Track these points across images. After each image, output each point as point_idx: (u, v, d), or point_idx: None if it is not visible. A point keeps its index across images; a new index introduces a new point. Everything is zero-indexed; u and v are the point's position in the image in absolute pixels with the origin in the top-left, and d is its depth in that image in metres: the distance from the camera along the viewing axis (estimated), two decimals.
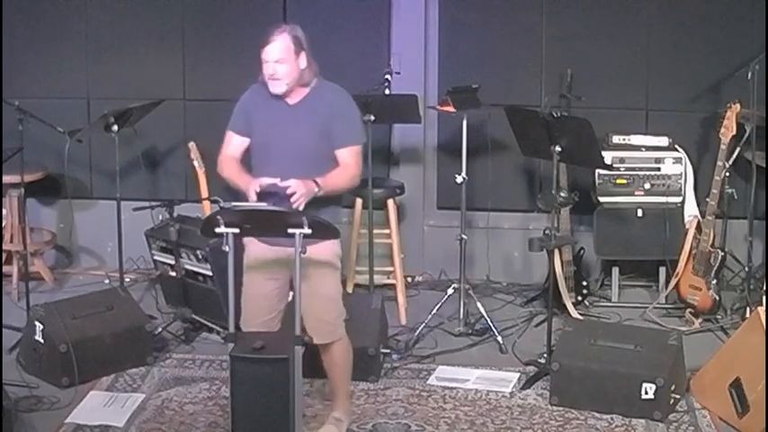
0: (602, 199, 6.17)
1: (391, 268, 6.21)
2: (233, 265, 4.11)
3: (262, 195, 4.23)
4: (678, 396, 4.89)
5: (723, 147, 5.72)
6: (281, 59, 4.27)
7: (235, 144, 4.47)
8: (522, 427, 4.77)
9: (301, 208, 4.16)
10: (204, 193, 6.06)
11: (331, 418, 4.67)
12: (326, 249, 4.33)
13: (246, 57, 6.35)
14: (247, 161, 4.47)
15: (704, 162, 6.24)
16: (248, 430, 4.10)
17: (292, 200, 4.16)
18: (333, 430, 4.63)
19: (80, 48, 6.60)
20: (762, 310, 4.62)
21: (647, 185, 6.12)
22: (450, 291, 5.84)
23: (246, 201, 4.21)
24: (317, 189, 4.24)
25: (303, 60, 4.32)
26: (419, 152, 6.62)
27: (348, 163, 4.39)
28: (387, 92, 5.80)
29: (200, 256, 5.69)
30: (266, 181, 4.23)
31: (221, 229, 4.06)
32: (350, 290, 6.17)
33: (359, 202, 6.05)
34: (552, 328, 5.32)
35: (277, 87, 4.31)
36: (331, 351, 4.56)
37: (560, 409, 4.91)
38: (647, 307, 6.07)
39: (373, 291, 5.88)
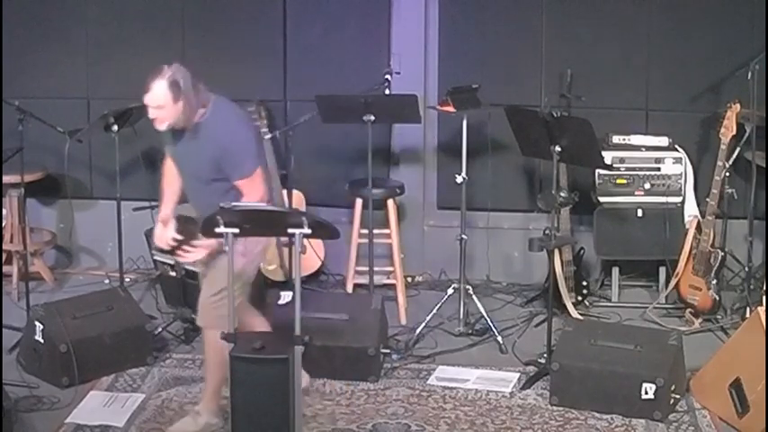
0: (602, 199, 6.17)
1: (391, 268, 6.21)
2: (233, 264, 4.11)
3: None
4: (678, 396, 4.89)
5: (723, 147, 5.71)
6: (160, 106, 4.36)
7: (168, 163, 4.71)
8: (522, 427, 4.77)
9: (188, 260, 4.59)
10: None
11: (192, 410, 4.71)
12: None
13: (246, 57, 6.44)
14: None
15: (704, 162, 6.24)
16: (248, 430, 4.10)
17: (182, 254, 4.54)
18: (187, 422, 4.64)
19: (80, 48, 6.60)
20: (762, 310, 4.62)
21: (647, 185, 6.12)
22: (450, 291, 5.84)
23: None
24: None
25: (181, 104, 4.35)
26: (419, 152, 6.62)
27: (248, 193, 4.42)
28: (387, 92, 5.80)
29: None
30: (164, 216, 4.60)
31: (221, 229, 4.06)
32: (350, 290, 6.17)
33: (359, 202, 6.05)
34: (552, 328, 5.32)
35: (162, 128, 4.44)
36: (204, 338, 4.65)
37: (560, 409, 4.91)
38: (647, 307, 6.07)
39: (373, 291, 5.88)
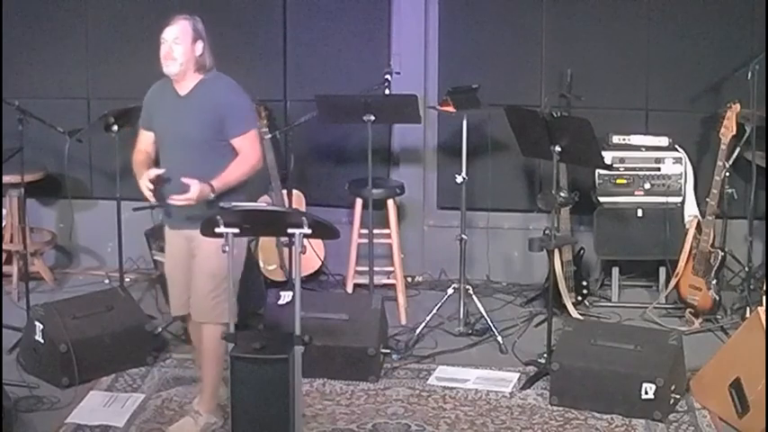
0: (602, 199, 6.17)
1: (391, 268, 6.21)
2: (233, 264, 4.12)
3: (159, 188, 4.42)
4: (678, 396, 4.89)
5: (723, 147, 5.71)
6: (178, 40, 4.39)
7: (143, 140, 4.68)
8: (522, 427, 4.77)
9: (184, 203, 4.32)
10: None
11: (191, 410, 4.69)
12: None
13: (246, 57, 6.43)
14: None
15: (704, 162, 6.24)
16: (248, 430, 4.10)
17: (180, 197, 4.31)
18: (188, 423, 4.62)
19: (80, 48, 6.60)
20: (762, 310, 4.62)
21: (647, 185, 6.12)
22: (450, 291, 5.84)
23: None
24: (211, 194, 4.34)
25: (199, 47, 4.45)
26: (419, 152, 6.62)
27: (245, 152, 4.47)
28: (387, 92, 5.80)
29: None
30: (154, 172, 4.41)
31: (221, 229, 4.06)
32: (350, 290, 6.17)
33: (359, 202, 6.05)
34: (552, 328, 5.32)
35: (171, 67, 4.42)
36: (203, 335, 4.57)
37: (560, 409, 4.91)
38: (647, 307, 6.07)
39: (373, 291, 5.87)
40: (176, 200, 4.33)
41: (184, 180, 4.29)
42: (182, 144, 4.44)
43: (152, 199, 4.46)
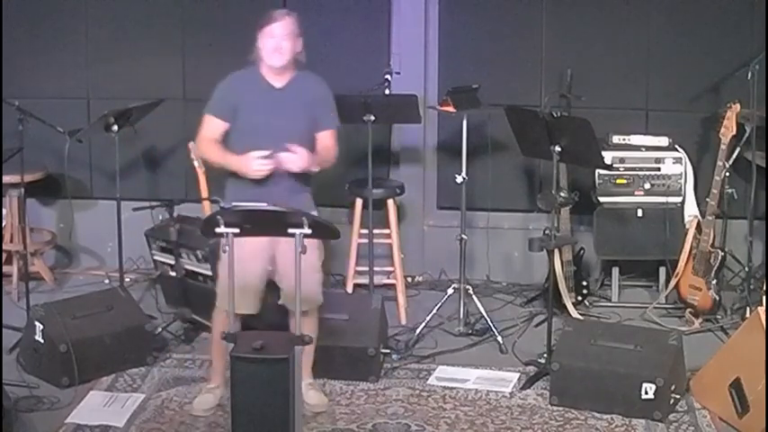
0: (602, 199, 6.17)
1: (391, 268, 6.21)
2: (233, 264, 4.11)
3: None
4: (678, 396, 4.89)
5: (723, 147, 5.71)
6: (286, 35, 4.56)
7: (213, 128, 4.68)
8: (522, 427, 4.77)
9: (294, 169, 4.47)
10: (204, 193, 6.05)
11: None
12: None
13: (246, 57, 6.42)
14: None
15: (704, 162, 6.24)
16: (248, 430, 4.10)
17: (291, 160, 4.44)
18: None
19: (80, 48, 6.60)
20: (762, 310, 4.62)
21: (647, 185, 6.12)
22: (450, 291, 5.84)
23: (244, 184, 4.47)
24: (313, 168, 4.54)
25: (299, 45, 4.63)
26: (419, 152, 6.62)
27: (329, 145, 4.70)
28: (387, 92, 5.80)
29: (200, 256, 5.69)
30: (260, 153, 4.46)
31: (221, 229, 4.07)
32: (350, 290, 6.17)
33: (359, 202, 6.05)
34: (552, 328, 5.32)
35: (278, 60, 4.58)
36: (307, 320, 4.69)
37: (560, 409, 4.91)
38: (647, 307, 6.07)
39: (373, 291, 5.88)
40: (287, 161, 4.45)
41: (293, 147, 4.44)
42: (278, 135, 4.52)
43: (266, 170, 4.46)
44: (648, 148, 6.17)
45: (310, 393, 4.82)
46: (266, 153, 4.45)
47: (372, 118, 5.63)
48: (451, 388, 5.16)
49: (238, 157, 4.51)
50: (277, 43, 4.56)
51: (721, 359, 4.87)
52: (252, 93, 4.61)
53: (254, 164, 4.46)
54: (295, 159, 4.47)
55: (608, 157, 5.86)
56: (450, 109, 5.80)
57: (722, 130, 5.69)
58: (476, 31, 6.44)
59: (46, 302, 5.42)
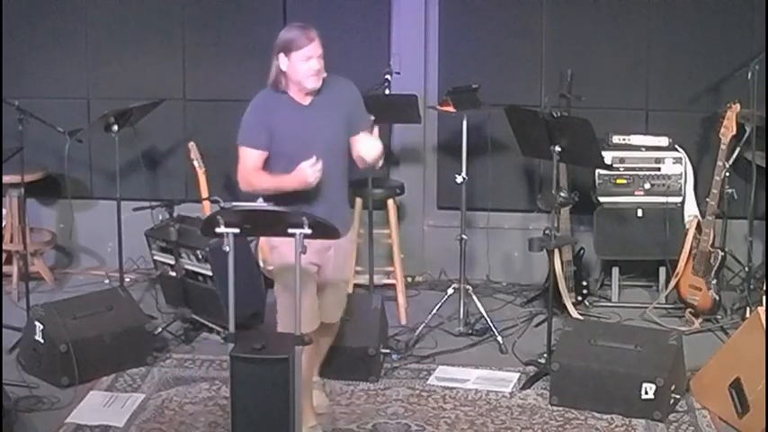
0: (602, 199, 6.17)
1: (391, 268, 6.21)
2: (233, 264, 4.11)
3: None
4: (678, 396, 4.89)
5: (723, 147, 5.71)
6: (321, 56, 4.42)
7: (255, 159, 4.41)
8: (522, 427, 4.77)
9: (375, 155, 4.43)
10: (204, 193, 6.06)
11: (316, 383, 4.90)
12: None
13: (246, 57, 6.43)
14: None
15: (704, 162, 6.24)
16: (248, 430, 4.10)
17: (367, 148, 4.43)
18: (319, 395, 4.87)
19: (80, 48, 6.60)
20: (762, 310, 4.62)
21: (647, 185, 6.12)
22: (450, 291, 5.84)
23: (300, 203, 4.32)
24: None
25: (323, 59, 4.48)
26: (419, 152, 6.62)
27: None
28: (387, 92, 5.80)
29: (200, 256, 5.69)
30: (308, 162, 4.27)
31: (221, 229, 4.06)
32: (350, 290, 6.16)
33: (359, 202, 6.05)
34: (552, 328, 5.32)
35: (317, 82, 4.41)
36: (331, 330, 4.80)
37: (560, 409, 4.91)
38: (647, 307, 6.07)
39: (373, 291, 5.88)
40: (369, 150, 4.42)
41: (368, 135, 4.47)
42: (323, 150, 4.34)
43: (320, 174, 4.30)
44: (648, 148, 6.17)
45: (314, 393, 4.81)
46: (314, 161, 4.27)
47: (372, 118, 5.61)
48: (451, 388, 5.16)
49: (291, 175, 4.31)
50: (318, 64, 4.38)
51: (721, 359, 4.87)
52: (282, 114, 4.42)
53: (309, 171, 4.27)
54: (370, 146, 4.43)
55: (608, 157, 5.86)
56: (450, 109, 5.80)
57: (722, 130, 5.69)
58: (476, 31, 6.44)
59: (46, 302, 5.43)
